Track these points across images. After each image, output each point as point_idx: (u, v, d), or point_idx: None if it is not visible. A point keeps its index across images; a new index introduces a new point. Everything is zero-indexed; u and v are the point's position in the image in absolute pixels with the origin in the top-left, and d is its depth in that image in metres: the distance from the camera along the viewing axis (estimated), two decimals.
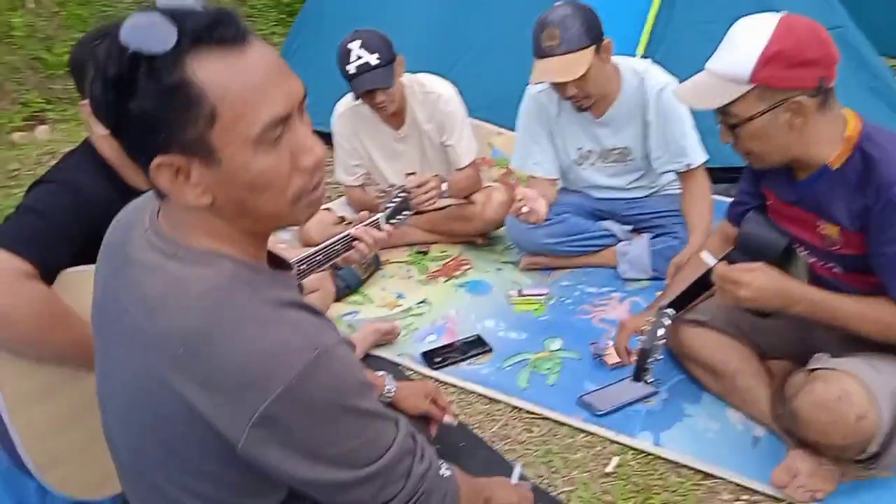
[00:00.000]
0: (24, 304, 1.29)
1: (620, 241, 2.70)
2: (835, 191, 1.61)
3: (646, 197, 2.72)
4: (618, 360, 2.14)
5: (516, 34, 2.63)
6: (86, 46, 1.53)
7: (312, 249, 2.02)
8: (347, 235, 2.09)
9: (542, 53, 2.32)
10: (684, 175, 2.54)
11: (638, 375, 1.78)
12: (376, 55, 2.56)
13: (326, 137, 3.55)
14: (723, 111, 1.59)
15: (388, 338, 2.39)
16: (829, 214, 1.64)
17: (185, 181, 0.87)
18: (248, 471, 0.92)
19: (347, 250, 2.09)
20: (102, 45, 0.83)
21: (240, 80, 0.84)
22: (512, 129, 2.83)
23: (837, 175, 1.60)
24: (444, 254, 2.93)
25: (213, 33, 0.83)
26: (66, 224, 1.37)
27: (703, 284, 1.86)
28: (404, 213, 2.34)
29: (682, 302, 1.87)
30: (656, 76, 2.50)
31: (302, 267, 1.94)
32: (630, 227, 2.73)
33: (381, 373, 1.72)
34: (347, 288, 2.71)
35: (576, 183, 2.77)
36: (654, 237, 2.64)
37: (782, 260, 1.80)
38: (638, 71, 2.52)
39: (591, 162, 2.67)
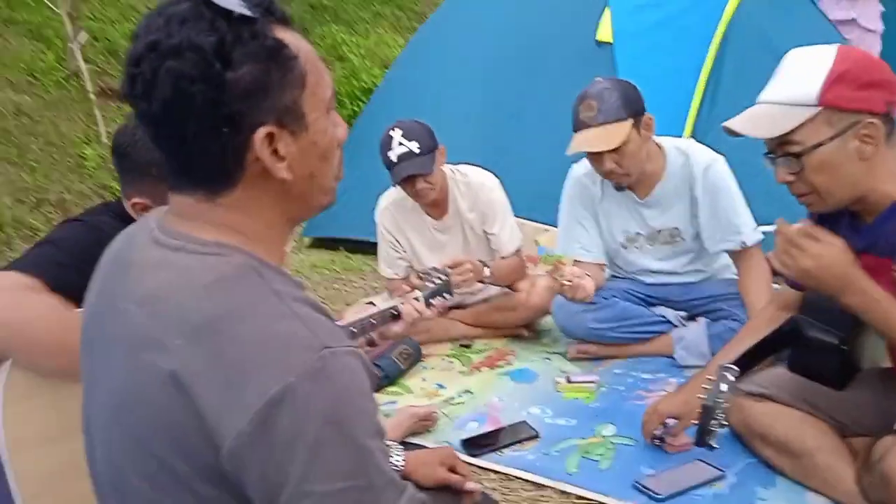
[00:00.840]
0: (35, 317, 1.24)
1: (675, 327, 2.54)
2: None
3: (700, 281, 2.58)
4: (680, 443, 1.93)
5: (559, 131, 2.64)
6: (129, 130, 1.55)
7: (354, 318, 1.96)
8: (391, 307, 2.05)
9: (579, 126, 2.31)
10: (739, 255, 2.42)
11: (701, 439, 1.58)
12: (416, 143, 2.60)
13: (369, 246, 3.62)
14: (784, 141, 1.48)
15: (425, 424, 2.23)
16: None
17: (274, 156, 0.85)
18: (236, 494, 0.80)
19: (386, 322, 2.04)
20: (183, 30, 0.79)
21: (308, 47, 0.87)
22: (556, 226, 2.79)
23: None
24: (489, 346, 2.80)
25: (275, 9, 0.85)
26: (78, 253, 1.34)
27: (772, 343, 1.69)
28: (445, 294, 2.28)
29: (748, 360, 1.68)
30: (702, 152, 2.44)
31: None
32: (685, 314, 2.57)
33: (390, 441, 1.58)
34: (386, 378, 2.58)
35: (624, 269, 2.66)
36: (712, 321, 2.48)
37: (855, 320, 1.64)
38: (682, 149, 2.47)
39: (639, 245, 2.58)
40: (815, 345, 1.66)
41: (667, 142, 2.50)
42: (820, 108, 1.43)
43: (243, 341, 0.79)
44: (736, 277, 2.48)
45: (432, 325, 2.73)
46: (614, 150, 2.28)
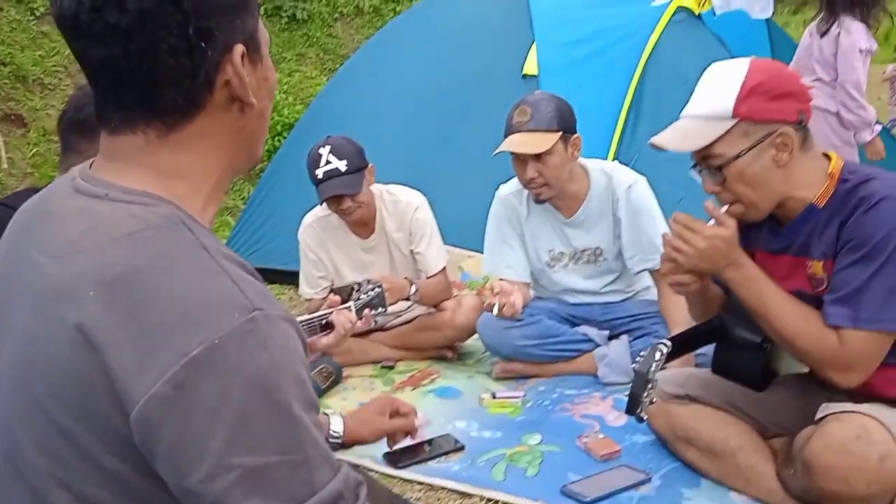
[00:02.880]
0: None
1: (598, 345, 2.56)
2: (820, 225, 1.54)
3: (622, 301, 2.62)
4: (607, 450, 1.93)
5: (485, 161, 2.69)
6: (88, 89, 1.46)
7: None
8: (320, 317, 1.98)
9: (510, 130, 2.35)
10: (659, 274, 2.46)
11: (631, 407, 1.58)
12: (345, 161, 2.56)
13: (287, 276, 3.54)
14: (706, 154, 1.54)
15: None
16: (816, 251, 1.55)
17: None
18: (146, 471, 0.71)
19: (316, 333, 1.98)
20: None
21: None
22: (482, 252, 2.80)
23: (824, 211, 1.54)
24: (412, 367, 2.74)
25: None
26: None
27: (702, 335, 1.72)
28: (379, 309, 2.23)
29: (679, 343, 1.70)
30: (625, 173, 2.52)
31: None
32: (607, 333, 2.60)
33: (328, 410, 1.50)
34: None
35: (549, 288, 2.67)
36: (633, 339, 2.51)
37: None
38: (606, 170, 2.54)
39: (564, 264, 2.60)
40: (738, 342, 1.71)
41: (591, 164, 2.56)
42: (736, 121, 1.49)
43: (165, 296, 0.71)
44: (656, 298, 2.54)
45: (353, 346, 2.66)
46: (538, 159, 2.32)
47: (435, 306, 2.77)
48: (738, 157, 1.50)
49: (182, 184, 0.81)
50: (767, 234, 1.67)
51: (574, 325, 2.63)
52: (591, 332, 2.59)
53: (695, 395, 1.83)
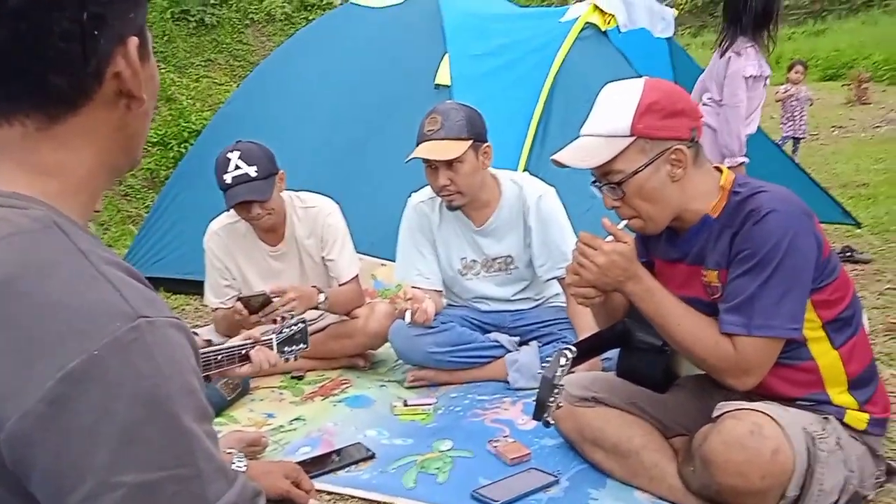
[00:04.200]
0: None
1: (509, 352, 2.58)
2: (714, 235, 1.61)
3: (532, 308, 2.66)
4: (517, 454, 1.94)
5: (398, 169, 2.69)
6: None
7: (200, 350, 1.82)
8: (240, 348, 1.95)
9: (422, 138, 2.35)
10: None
11: (538, 412, 1.59)
12: (255, 167, 2.50)
13: (192, 285, 3.43)
14: (606, 171, 1.58)
15: (253, 449, 2.07)
16: (710, 260, 1.62)
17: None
18: (19, 492, 0.66)
19: (232, 364, 1.95)
20: None
21: None
22: (395, 260, 2.78)
23: (718, 222, 1.60)
24: (322, 377, 2.69)
25: None
26: None
27: (606, 339, 1.76)
28: (301, 345, 2.20)
29: (585, 348, 1.74)
30: (535, 183, 2.56)
31: None
32: (518, 339, 2.63)
33: (229, 450, 1.47)
34: None
35: (461, 295, 2.68)
36: (543, 345, 2.55)
37: None
38: (516, 180, 2.58)
39: (476, 272, 2.62)
40: (641, 347, 1.76)
41: (502, 174, 2.60)
42: (633, 138, 1.54)
43: (39, 304, 0.65)
44: (564, 305, 2.58)
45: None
46: (450, 166, 2.33)
47: (347, 314, 2.73)
48: (636, 172, 1.55)
49: (58, 183, 0.75)
50: (665, 243, 1.73)
51: (486, 331, 2.65)
52: (502, 338, 2.61)
53: (601, 398, 1.87)
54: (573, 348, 1.62)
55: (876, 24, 19.79)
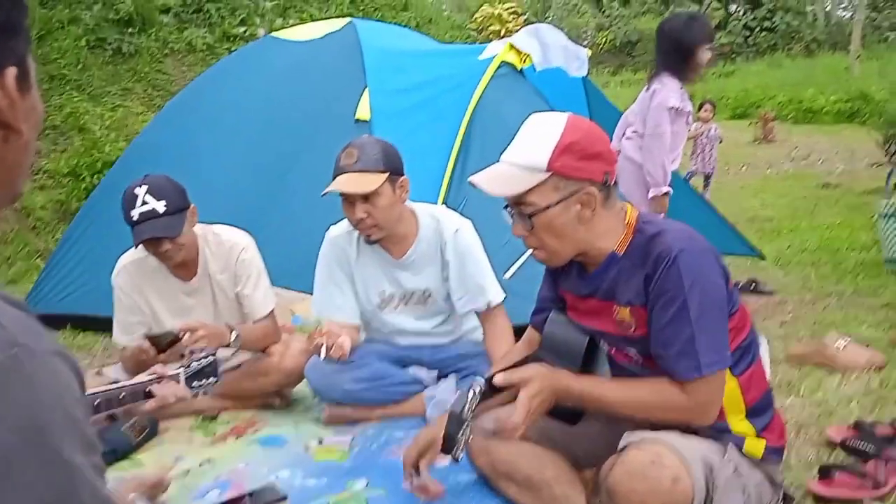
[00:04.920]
0: None
1: (427, 386, 2.58)
2: (623, 273, 1.65)
3: (450, 342, 2.67)
4: (432, 491, 1.93)
5: (317, 203, 2.68)
6: None
7: (100, 388, 1.75)
8: (144, 385, 1.86)
9: (338, 172, 2.34)
10: (485, 315, 2.54)
11: (447, 446, 1.58)
12: (164, 202, 2.44)
13: (100, 322, 3.29)
14: (520, 201, 1.61)
15: (154, 492, 1.98)
16: (622, 297, 1.66)
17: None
18: None
19: (136, 401, 1.86)
20: None
21: None
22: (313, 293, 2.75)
23: (624, 258, 1.65)
24: (236, 417, 2.61)
25: None
26: None
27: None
28: (211, 378, 2.12)
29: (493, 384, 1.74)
30: (452, 217, 2.58)
31: None
32: (436, 373, 2.63)
33: (131, 495, 1.40)
34: (114, 453, 2.29)
35: (380, 330, 2.67)
36: (461, 379, 2.55)
37: (586, 356, 1.79)
38: (434, 214, 2.59)
39: (394, 305, 2.61)
40: (564, 338, 1.78)
41: (420, 207, 2.61)
42: (549, 174, 1.58)
43: None
44: (482, 337, 2.60)
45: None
46: (367, 200, 2.33)
47: (262, 351, 2.67)
48: (547, 208, 1.59)
49: None
50: (576, 278, 1.77)
51: (404, 366, 2.64)
52: (421, 373, 2.61)
53: None
54: (482, 382, 1.63)
55: (780, 66, 21.05)
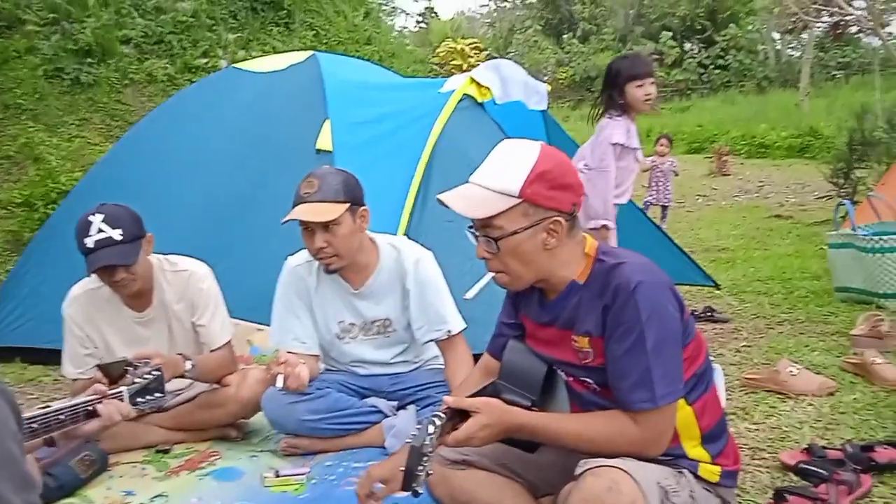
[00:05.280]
0: None
1: (387, 416, 2.56)
2: (583, 303, 1.66)
3: (410, 372, 2.66)
4: None
5: (277, 233, 2.67)
6: None
7: (37, 411, 1.69)
8: (85, 404, 1.81)
9: (298, 201, 2.34)
10: (445, 343, 2.54)
11: (407, 483, 1.56)
12: (119, 230, 2.41)
13: (50, 354, 3.21)
14: (486, 224, 1.62)
15: None
16: (580, 326, 1.67)
17: None
18: None
19: (77, 422, 1.81)
20: None
21: None
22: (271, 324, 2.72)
23: (584, 288, 1.67)
24: (191, 449, 2.55)
25: None
26: None
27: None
28: (155, 395, 2.08)
29: (458, 411, 1.72)
30: (412, 247, 2.60)
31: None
32: (395, 403, 2.61)
33: None
34: (61, 489, 2.22)
35: (339, 360, 2.65)
36: (421, 409, 2.54)
37: (545, 385, 1.80)
38: (394, 244, 2.60)
39: (354, 335, 2.60)
40: (523, 366, 1.79)
41: (380, 237, 2.62)
42: (520, 201, 1.59)
43: None
44: (442, 367, 2.60)
45: (121, 430, 2.43)
46: (326, 229, 2.33)
47: (218, 382, 2.63)
48: (514, 233, 1.60)
49: None
50: (536, 306, 1.78)
51: (363, 396, 2.62)
52: (380, 403, 2.59)
53: (472, 461, 1.87)
54: (442, 415, 1.62)
55: (733, 103, 21.72)
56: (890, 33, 20.07)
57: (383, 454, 2.44)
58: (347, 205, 2.36)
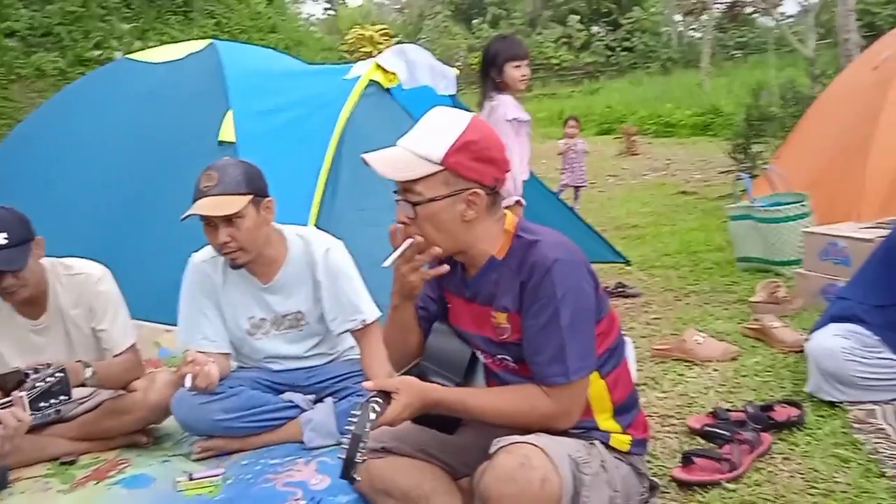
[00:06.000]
0: None
1: (304, 411, 2.51)
2: (502, 278, 1.69)
3: (326, 364, 2.62)
4: None
5: (180, 229, 2.57)
6: None
7: None
8: None
9: (198, 195, 2.27)
10: (361, 333, 2.51)
11: (347, 470, 1.53)
12: (5, 234, 2.26)
13: None
14: (408, 188, 1.62)
15: None
16: (499, 302, 1.69)
17: None
18: None
19: None
20: None
21: None
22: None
23: (503, 263, 1.68)
24: (98, 459, 2.44)
25: None
26: None
27: None
28: (60, 398, 1.97)
29: (385, 395, 1.71)
30: (322, 237, 2.55)
31: None
32: (312, 397, 2.57)
33: None
34: None
35: (252, 356, 2.58)
36: (338, 401, 2.51)
37: (468, 367, 1.82)
38: (303, 235, 2.54)
39: (265, 331, 2.54)
40: (447, 350, 1.80)
41: (288, 229, 2.56)
42: (441, 169, 1.60)
43: None
44: (358, 357, 2.57)
45: (23, 442, 2.31)
46: (230, 223, 2.26)
47: (123, 387, 2.52)
48: (432, 200, 1.61)
49: None
50: (459, 281, 1.80)
51: (279, 392, 2.56)
52: (297, 397, 2.54)
53: (390, 447, 1.87)
54: (379, 399, 1.61)
55: (640, 84, 22.40)
56: (783, 13, 21.17)
57: (301, 449, 2.40)
58: (250, 196, 2.29)
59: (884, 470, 2.02)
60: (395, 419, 1.59)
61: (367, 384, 1.62)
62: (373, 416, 1.58)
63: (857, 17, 9.30)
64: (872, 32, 15.51)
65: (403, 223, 1.66)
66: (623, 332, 1.84)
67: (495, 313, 1.70)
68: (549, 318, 1.60)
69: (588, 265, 1.68)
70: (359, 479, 1.58)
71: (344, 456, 1.53)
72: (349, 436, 1.53)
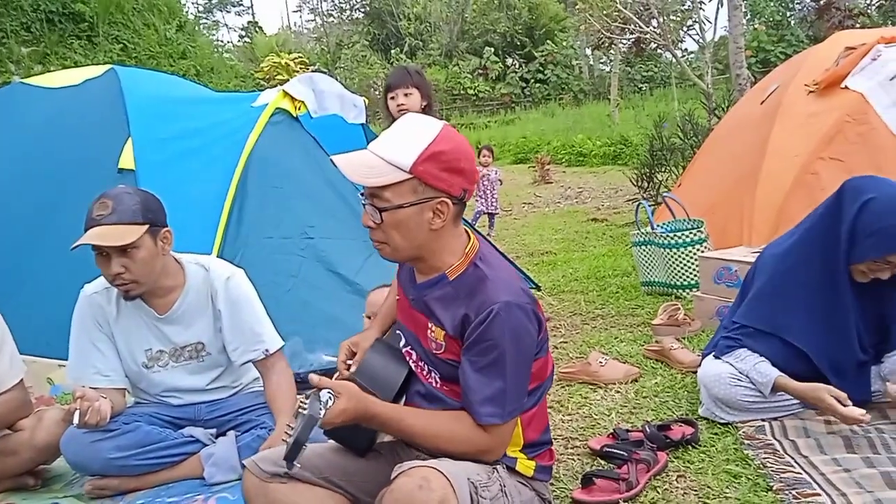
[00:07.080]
0: None
1: (205, 445, 2.44)
2: (446, 298, 1.70)
3: (229, 397, 2.55)
4: None
5: (75, 259, 2.46)
6: None
7: None
8: None
9: (90, 224, 2.19)
10: (263, 363, 2.46)
11: (293, 452, 1.53)
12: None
13: None
14: (376, 194, 1.62)
15: None
16: (438, 319, 1.70)
17: None
18: None
19: None
20: None
21: None
22: None
23: (451, 284, 1.70)
24: None
25: None
26: None
27: None
28: None
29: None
30: (222, 266, 2.50)
31: None
32: (214, 431, 2.49)
33: None
34: None
35: (149, 391, 2.49)
36: (240, 434, 2.44)
37: (400, 389, 1.82)
38: (202, 263, 2.49)
39: (164, 363, 2.46)
40: (383, 371, 1.80)
41: (186, 258, 2.49)
42: (410, 177, 1.60)
43: None
44: (262, 389, 2.52)
45: None
46: (124, 254, 2.19)
47: (9, 427, 2.38)
48: (399, 207, 1.61)
49: None
50: (407, 279, 1.81)
51: (179, 427, 2.47)
52: (197, 432, 2.46)
53: (293, 473, 1.83)
54: (332, 391, 1.59)
55: (553, 115, 23.10)
56: (685, 49, 22.31)
57: (202, 486, 2.32)
58: (146, 226, 2.23)
59: (771, 484, 2.11)
60: (328, 421, 1.57)
61: (312, 378, 1.60)
62: (329, 400, 1.58)
63: (752, 53, 9.90)
64: (766, 68, 16.55)
65: (369, 227, 1.67)
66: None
67: (433, 327, 1.72)
68: (492, 361, 1.62)
69: (535, 307, 1.70)
70: (299, 466, 1.58)
71: (292, 438, 1.53)
72: (300, 419, 1.53)
